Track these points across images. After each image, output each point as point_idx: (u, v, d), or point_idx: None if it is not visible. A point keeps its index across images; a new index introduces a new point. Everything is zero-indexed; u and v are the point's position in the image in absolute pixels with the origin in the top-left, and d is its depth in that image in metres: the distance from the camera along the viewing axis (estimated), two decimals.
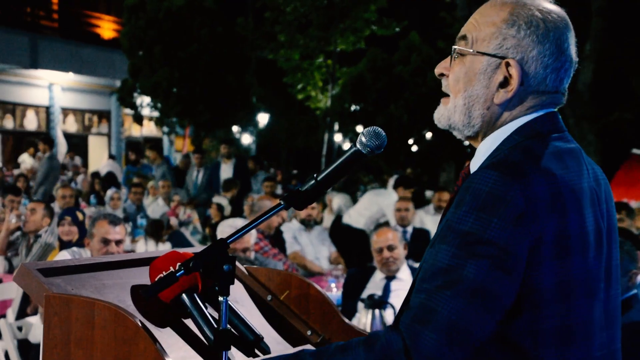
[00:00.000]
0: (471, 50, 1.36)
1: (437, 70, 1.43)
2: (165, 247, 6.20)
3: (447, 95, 1.42)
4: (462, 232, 1.22)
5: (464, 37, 1.38)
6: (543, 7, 1.35)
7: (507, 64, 1.33)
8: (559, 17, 1.35)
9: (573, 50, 1.38)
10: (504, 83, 1.34)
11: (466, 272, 1.20)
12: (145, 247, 6.22)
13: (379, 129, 1.43)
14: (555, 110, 1.39)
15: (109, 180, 11.55)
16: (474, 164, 1.38)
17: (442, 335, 1.19)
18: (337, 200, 9.10)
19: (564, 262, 1.25)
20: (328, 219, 9.20)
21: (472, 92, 1.36)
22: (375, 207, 7.75)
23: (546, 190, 1.24)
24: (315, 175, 1.46)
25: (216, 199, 8.51)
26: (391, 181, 12.04)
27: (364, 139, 1.42)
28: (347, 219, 7.75)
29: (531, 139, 1.32)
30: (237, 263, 1.70)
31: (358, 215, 7.74)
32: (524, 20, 1.33)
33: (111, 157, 16.58)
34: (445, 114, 1.41)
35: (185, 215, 8.31)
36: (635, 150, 9.46)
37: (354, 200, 10.37)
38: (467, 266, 1.20)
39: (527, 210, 1.21)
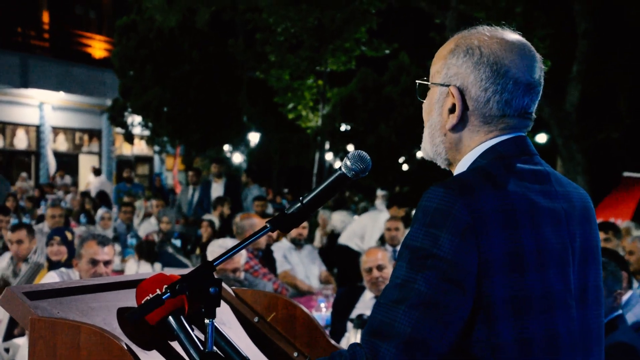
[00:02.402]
0: (428, 83, 1.47)
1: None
2: (155, 268, 6.17)
3: None
4: (413, 248, 1.27)
5: (428, 72, 1.49)
6: (486, 35, 1.41)
7: (451, 91, 1.41)
8: (499, 43, 1.40)
9: (524, 73, 1.39)
10: (452, 109, 1.42)
11: (417, 286, 1.24)
12: (136, 267, 6.19)
13: (364, 152, 1.47)
14: (523, 134, 1.44)
15: (101, 199, 11.52)
16: None
17: (400, 348, 1.22)
18: (337, 217, 9.16)
19: (517, 278, 1.27)
20: (318, 238, 9.21)
21: (432, 121, 1.46)
22: (358, 224, 7.84)
23: (496, 206, 1.28)
24: (301, 198, 1.48)
25: (207, 217, 8.48)
26: (379, 199, 12.10)
27: (348, 163, 1.45)
28: (343, 241, 7.83)
29: (493, 161, 1.37)
30: (224, 285, 1.71)
31: (352, 234, 7.83)
32: (462, 49, 1.41)
33: (97, 172, 16.26)
34: (423, 145, 1.51)
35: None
36: (626, 173, 9.56)
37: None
38: (418, 280, 1.24)
39: (474, 224, 1.25)
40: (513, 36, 1.43)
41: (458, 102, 1.40)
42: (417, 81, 1.49)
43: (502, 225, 1.27)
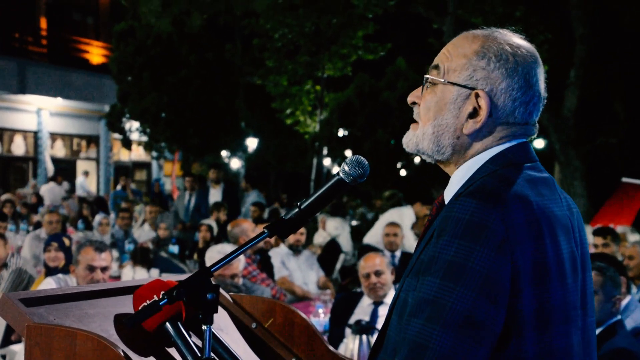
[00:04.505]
0: (442, 80, 1.38)
1: (410, 99, 1.45)
2: (152, 273, 6.16)
3: (416, 122, 1.44)
4: (445, 262, 1.21)
5: (437, 67, 1.40)
6: (513, 42, 1.37)
7: (477, 95, 1.35)
8: (528, 53, 1.37)
9: (542, 85, 1.39)
10: (473, 114, 1.35)
11: (452, 303, 1.19)
12: (132, 274, 6.18)
13: (362, 157, 1.45)
14: (527, 140, 1.41)
15: (98, 205, 11.51)
16: (448, 193, 1.39)
17: None
18: (331, 223, 9.18)
19: (542, 289, 1.25)
20: (319, 240, 9.20)
21: (441, 121, 1.38)
22: (383, 222, 7.86)
23: (523, 216, 1.24)
24: (299, 203, 1.47)
25: (205, 222, 8.46)
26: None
27: (346, 168, 1.44)
28: (368, 240, 7.87)
29: (505, 167, 1.33)
30: (222, 291, 1.70)
31: (371, 232, 7.86)
32: (494, 54, 1.35)
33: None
34: (414, 140, 1.42)
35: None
36: (625, 179, 9.57)
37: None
38: (452, 297, 1.19)
39: (508, 237, 1.21)
40: (531, 45, 1.40)
41: (486, 108, 1.34)
42: (427, 76, 1.41)
43: (530, 236, 1.24)
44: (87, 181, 19.13)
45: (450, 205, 1.26)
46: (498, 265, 1.20)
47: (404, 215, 7.83)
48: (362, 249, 7.48)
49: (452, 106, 1.36)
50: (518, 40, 1.39)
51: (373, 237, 7.78)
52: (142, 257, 6.29)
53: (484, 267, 1.19)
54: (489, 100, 1.34)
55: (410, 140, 1.43)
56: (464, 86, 1.35)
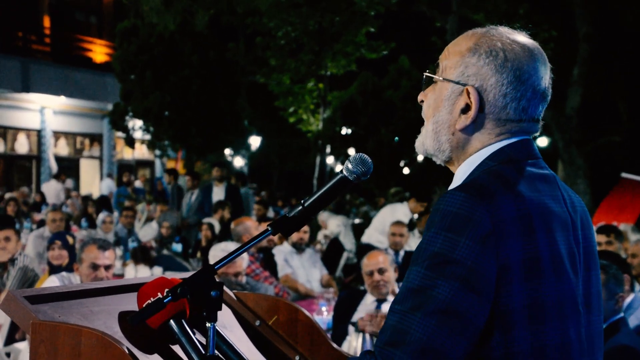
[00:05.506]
0: (439, 77, 1.41)
1: (419, 98, 1.49)
2: (155, 271, 6.17)
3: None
4: (431, 253, 1.23)
5: (438, 65, 1.44)
6: (508, 38, 1.38)
7: (468, 91, 1.37)
8: (522, 49, 1.37)
9: (541, 82, 1.39)
10: (466, 109, 1.38)
11: (435, 293, 1.21)
12: (134, 272, 6.19)
13: (365, 155, 1.46)
14: (530, 137, 1.41)
15: (102, 203, 11.54)
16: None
17: (414, 356, 1.19)
18: (333, 221, 9.19)
19: (535, 284, 1.25)
20: (321, 238, 9.23)
21: (438, 117, 1.41)
22: (377, 220, 7.87)
23: (514, 211, 1.25)
24: (302, 201, 1.47)
25: (206, 221, 8.48)
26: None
27: (350, 166, 1.45)
28: (365, 239, 7.88)
29: (503, 164, 1.34)
30: (226, 288, 1.71)
31: (373, 231, 7.86)
32: (484, 50, 1.36)
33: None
34: (421, 140, 1.46)
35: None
36: (624, 174, 9.53)
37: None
38: (436, 287, 1.21)
39: (494, 231, 1.22)
40: (530, 41, 1.40)
41: (475, 104, 1.36)
42: (425, 74, 1.44)
43: (520, 231, 1.25)
44: (91, 180, 19.18)
45: (441, 199, 1.28)
46: (483, 258, 1.21)
47: (397, 211, 7.84)
48: (361, 248, 7.50)
49: (446, 102, 1.40)
50: (517, 36, 1.39)
51: (371, 236, 7.78)
52: (143, 255, 6.32)
53: (468, 260, 1.20)
54: (478, 95, 1.36)
55: (418, 141, 1.47)
56: (457, 82, 1.38)
